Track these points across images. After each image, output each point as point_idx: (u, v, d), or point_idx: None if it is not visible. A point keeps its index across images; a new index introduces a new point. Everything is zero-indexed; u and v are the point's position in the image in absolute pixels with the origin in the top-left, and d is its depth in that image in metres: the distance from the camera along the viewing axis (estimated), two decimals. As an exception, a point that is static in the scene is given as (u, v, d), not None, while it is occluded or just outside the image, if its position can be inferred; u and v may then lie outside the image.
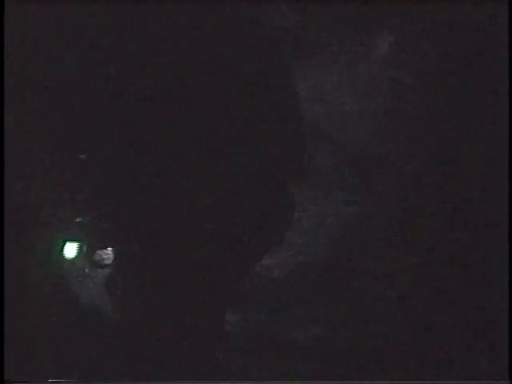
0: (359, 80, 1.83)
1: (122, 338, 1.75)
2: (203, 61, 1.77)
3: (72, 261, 1.81)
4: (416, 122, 1.83)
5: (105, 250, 1.83)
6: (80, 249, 1.82)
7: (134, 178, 1.79)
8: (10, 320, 1.67)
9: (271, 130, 1.80)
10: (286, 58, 1.82)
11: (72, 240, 1.81)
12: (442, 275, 1.80)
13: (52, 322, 1.74)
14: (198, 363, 1.76)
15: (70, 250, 1.82)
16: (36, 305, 1.75)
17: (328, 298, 1.80)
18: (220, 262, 1.79)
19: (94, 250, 1.83)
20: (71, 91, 1.79)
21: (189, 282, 1.78)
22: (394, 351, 1.75)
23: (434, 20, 1.81)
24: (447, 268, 1.79)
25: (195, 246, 1.78)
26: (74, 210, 1.81)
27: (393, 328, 1.77)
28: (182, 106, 1.78)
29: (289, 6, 1.80)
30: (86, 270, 1.82)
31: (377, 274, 1.81)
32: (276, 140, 1.81)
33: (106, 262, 1.83)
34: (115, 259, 1.82)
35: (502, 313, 1.72)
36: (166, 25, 1.76)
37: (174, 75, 1.77)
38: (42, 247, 1.79)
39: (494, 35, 1.77)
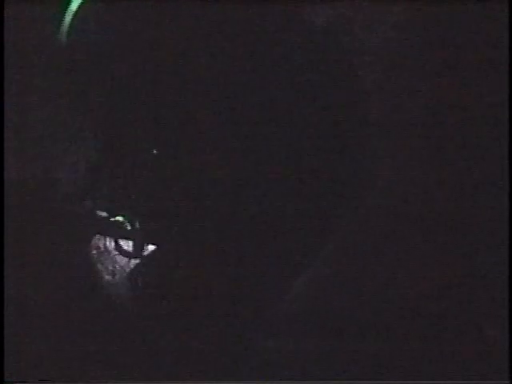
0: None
1: (126, 337, 1.75)
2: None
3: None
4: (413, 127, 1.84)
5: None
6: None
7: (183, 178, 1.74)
8: (10, 320, 1.68)
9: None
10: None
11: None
12: (441, 273, 1.80)
13: (53, 321, 1.75)
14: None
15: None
16: (37, 304, 1.75)
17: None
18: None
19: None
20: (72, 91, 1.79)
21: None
22: (394, 351, 1.75)
23: (433, 18, 1.81)
24: (446, 267, 1.80)
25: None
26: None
27: (392, 328, 1.77)
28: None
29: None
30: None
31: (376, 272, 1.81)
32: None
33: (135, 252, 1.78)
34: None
35: (502, 312, 1.72)
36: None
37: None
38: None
39: (493, 34, 1.77)
